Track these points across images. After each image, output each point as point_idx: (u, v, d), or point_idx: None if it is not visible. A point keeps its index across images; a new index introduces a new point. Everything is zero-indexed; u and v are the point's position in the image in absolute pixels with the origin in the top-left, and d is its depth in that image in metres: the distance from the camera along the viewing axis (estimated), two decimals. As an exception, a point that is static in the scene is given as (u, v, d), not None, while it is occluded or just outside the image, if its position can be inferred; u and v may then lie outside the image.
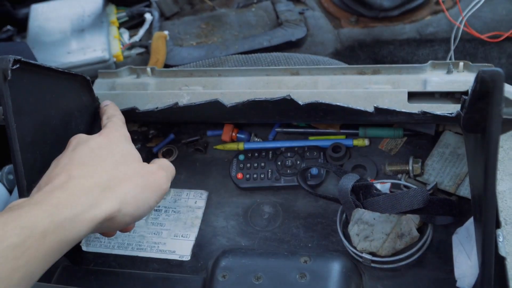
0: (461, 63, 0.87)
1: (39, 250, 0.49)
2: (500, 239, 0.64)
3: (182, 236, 0.87)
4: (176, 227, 0.88)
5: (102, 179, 0.60)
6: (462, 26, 1.22)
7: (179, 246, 0.86)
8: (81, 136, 0.69)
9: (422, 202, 0.73)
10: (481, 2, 1.23)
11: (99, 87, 1.00)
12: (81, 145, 0.66)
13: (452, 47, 1.23)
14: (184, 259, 0.84)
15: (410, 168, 0.85)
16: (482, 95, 0.60)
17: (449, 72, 0.88)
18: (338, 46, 1.27)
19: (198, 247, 0.86)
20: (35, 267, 0.49)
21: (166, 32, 1.26)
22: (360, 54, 1.28)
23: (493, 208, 0.59)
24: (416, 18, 1.27)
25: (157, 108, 0.88)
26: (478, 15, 1.24)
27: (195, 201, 0.91)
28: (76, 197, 0.55)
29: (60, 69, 0.79)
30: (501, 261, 0.63)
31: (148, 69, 1.00)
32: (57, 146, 0.73)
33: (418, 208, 0.73)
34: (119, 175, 0.63)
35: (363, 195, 0.79)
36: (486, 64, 0.87)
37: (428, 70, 0.89)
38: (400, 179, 0.86)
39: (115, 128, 0.73)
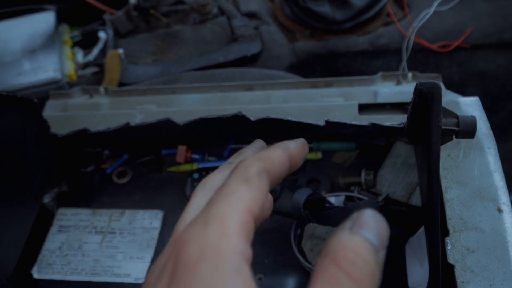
0: (410, 74, 0.89)
1: None
2: (449, 247, 0.65)
3: (137, 258, 0.85)
4: (131, 249, 0.87)
5: None
6: (413, 37, 1.25)
7: (134, 269, 0.84)
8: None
9: None
10: (430, 13, 1.26)
11: (50, 109, 0.99)
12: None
13: (405, 58, 1.26)
14: (139, 282, 0.83)
15: (363, 180, 0.86)
16: (422, 107, 0.62)
17: (398, 83, 0.90)
18: (293, 60, 1.28)
19: None
20: None
21: (120, 50, 1.25)
22: (316, 67, 1.30)
23: (437, 216, 0.60)
24: (369, 30, 1.30)
25: (108, 128, 0.86)
26: (428, 25, 1.27)
27: (150, 221, 0.90)
28: None
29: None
30: (450, 269, 0.64)
31: (101, 89, 0.99)
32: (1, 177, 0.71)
33: None
34: None
35: (316, 209, 0.78)
36: (434, 74, 0.89)
37: (379, 82, 0.91)
38: (353, 191, 0.86)
39: None
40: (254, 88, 0.95)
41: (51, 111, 0.98)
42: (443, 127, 0.61)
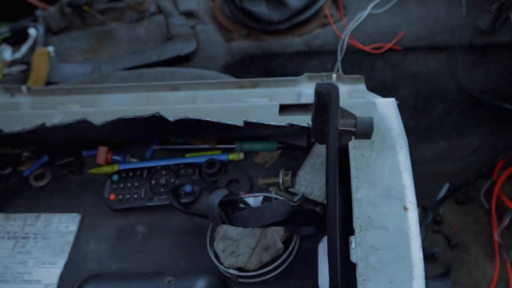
0: (334, 75, 0.90)
1: None
2: (352, 245, 0.66)
3: (50, 263, 0.84)
4: (45, 254, 0.85)
5: None
6: (347, 39, 1.27)
7: (45, 275, 0.82)
8: None
9: (285, 214, 0.73)
10: (364, 16, 1.28)
11: None
12: None
13: (339, 58, 1.28)
14: None
15: (280, 180, 0.86)
16: (322, 108, 0.62)
17: None
18: (229, 60, 1.28)
19: (67, 274, 0.83)
20: None
21: (50, 48, 1.23)
22: (251, 67, 1.30)
23: (335, 214, 0.61)
24: (305, 31, 1.31)
25: (23, 129, 0.84)
26: (363, 28, 1.30)
27: (66, 225, 0.89)
28: None
29: None
30: (353, 267, 0.64)
31: (24, 87, 0.96)
32: None
33: (281, 220, 0.74)
34: None
35: (231, 210, 0.78)
36: (357, 76, 0.90)
37: (304, 83, 0.91)
38: (271, 192, 0.87)
39: None
40: (180, 88, 0.94)
41: (-33, 110, 0.95)
42: (340, 128, 0.62)
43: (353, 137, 0.66)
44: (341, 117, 0.63)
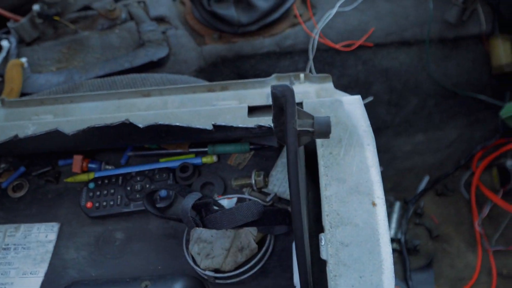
0: (302, 75, 0.92)
1: None
2: (322, 243, 0.67)
3: (30, 273, 0.85)
4: (25, 264, 0.86)
5: None
6: (317, 37, 1.30)
7: (27, 285, 0.83)
8: None
9: (256, 214, 0.75)
10: (333, 14, 1.31)
11: None
12: None
13: (311, 57, 1.30)
14: None
15: (253, 181, 0.88)
16: (280, 110, 0.64)
17: (291, 84, 0.93)
18: (201, 63, 1.30)
19: (48, 283, 0.84)
20: None
21: (23, 59, 1.24)
22: (224, 70, 1.32)
23: (298, 212, 0.62)
24: (275, 31, 1.33)
25: None
26: (333, 26, 1.32)
27: (46, 235, 0.90)
28: None
29: None
30: (323, 264, 0.66)
31: None
32: None
33: (254, 221, 0.75)
34: None
35: (204, 213, 0.80)
36: (324, 75, 0.92)
37: (273, 83, 0.93)
38: (245, 193, 0.89)
39: None
40: (151, 94, 0.96)
41: None
42: (298, 128, 0.64)
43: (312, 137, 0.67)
44: (299, 117, 0.64)
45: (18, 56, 1.28)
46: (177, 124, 0.82)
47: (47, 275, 0.85)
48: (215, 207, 0.81)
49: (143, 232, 0.89)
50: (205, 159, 0.95)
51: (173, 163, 0.95)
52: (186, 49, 1.30)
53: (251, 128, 0.82)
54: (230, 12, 1.27)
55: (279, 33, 1.33)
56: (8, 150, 0.90)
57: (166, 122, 0.83)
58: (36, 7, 1.31)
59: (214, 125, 0.82)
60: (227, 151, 0.95)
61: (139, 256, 0.86)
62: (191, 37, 1.33)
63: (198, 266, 0.79)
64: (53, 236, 0.90)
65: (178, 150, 0.96)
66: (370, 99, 1.40)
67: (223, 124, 0.82)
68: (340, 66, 1.34)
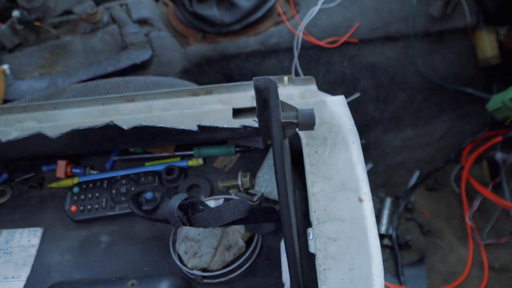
0: (286, 77, 0.92)
1: None
2: (310, 237, 0.69)
3: (12, 277, 0.86)
4: (7, 268, 0.87)
5: None
6: (301, 35, 1.31)
7: None
8: None
9: (244, 212, 0.76)
10: (316, 11, 1.32)
11: None
12: None
13: (296, 55, 1.32)
14: None
15: (239, 182, 0.90)
16: (263, 103, 0.65)
17: None
18: (186, 64, 1.31)
19: (30, 287, 0.85)
20: None
21: (5, 66, 1.24)
22: (209, 70, 1.34)
23: (287, 208, 0.64)
24: (260, 30, 1.35)
25: None
26: (316, 23, 1.34)
27: (28, 239, 0.91)
28: None
29: None
30: (312, 258, 0.68)
31: None
32: None
33: (241, 218, 0.76)
34: None
35: (191, 212, 0.81)
36: (308, 77, 0.92)
37: None
38: (231, 194, 0.90)
39: None
40: (136, 99, 0.96)
41: None
42: (282, 120, 0.65)
43: (297, 129, 0.68)
44: (283, 110, 0.66)
45: (0, 63, 1.29)
46: (162, 125, 0.84)
47: (29, 279, 0.86)
48: (201, 207, 0.82)
49: (128, 235, 0.90)
50: (191, 162, 0.96)
51: (159, 166, 0.97)
52: (169, 51, 1.31)
53: (236, 128, 0.83)
54: (213, 12, 1.28)
55: (263, 31, 1.34)
56: None
57: (151, 124, 0.84)
58: (16, 13, 1.32)
59: (199, 126, 0.83)
60: (213, 153, 0.97)
61: (124, 258, 0.87)
62: (174, 39, 1.34)
63: (185, 265, 0.80)
64: (36, 241, 0.91)
65: (164, 154, 0.98)
66: (357, 95, 1.42)
67: (208, 125, 0.83)
68: (326, 63, 1.36)
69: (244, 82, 0.93)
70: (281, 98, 0.93)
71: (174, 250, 0.83)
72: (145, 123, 0.84)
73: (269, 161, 0.92)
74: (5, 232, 0.92)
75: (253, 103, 0.90)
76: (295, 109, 0.67)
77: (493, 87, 1.50)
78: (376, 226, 0.70)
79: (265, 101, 0.64)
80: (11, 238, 0.92)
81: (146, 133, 0.87)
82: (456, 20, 1.39)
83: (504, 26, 1.38)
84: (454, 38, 1.42)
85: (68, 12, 1.42)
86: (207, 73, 1.33)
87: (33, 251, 0.89)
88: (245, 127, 0.83)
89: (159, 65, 1.29)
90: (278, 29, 1.34)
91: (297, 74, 1.36)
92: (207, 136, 0.87)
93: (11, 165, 1.02)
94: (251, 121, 0.85)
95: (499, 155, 1.48)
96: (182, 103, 0.93)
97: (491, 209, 1.48)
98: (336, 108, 0.87)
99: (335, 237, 0.69)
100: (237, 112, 0.89)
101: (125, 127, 0.84)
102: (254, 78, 0.63)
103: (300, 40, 1.31)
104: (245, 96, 0.93)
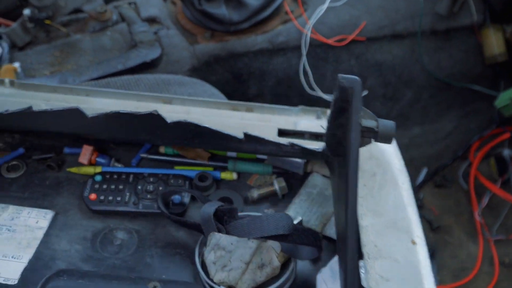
0: (329, 110, 0.89)
1: None
2: (363, 270, 0.67)
3: (12, 257, 0.80)
4: (8, 246, 0.81)
5: None
6: (309, 33, 1.33)
7: (5, 268, 0.78)
8: None
9: (287, 228, 0.70)
10: (324, 9, 1.35)
11: None
12: None
13: (304, 53, 1.34)
14: (10, 282, 0.77)
15: (276, 187, 0.87)
16: (343, 104, 0.62)
17: (318, 118, 0.92)
18: (194, 63, 1.34)
19: (31, 271, 0.79)
20: None
21: (16, 64, 1.27)
22: (217, 68, 1.36)
23: (355, 222, 0.60)
24: (267, 28, 1.37)
25: (7, 111, 0.81)
26: (324, 21, 1.36)
27: (36, 220, 0.86)
28: None
29: None
30: None
31: (6, 80, 0.95)
32: None
33: (283, 235, 0.71)
34: None
35: (227, 220, 0.75)
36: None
37: (300, 114, 0.93)
38: (267, 211, 0.86)
39: None
40: (173, 102, 0.94)
41: None
42: (362, 125, 0.62)
43: (373, 140, 0.65)
44: (363, 116, 0.63)
45: (11, 61, 1.31)
46: (207, 126, 0.80)
47: (31, 262, 0.81)
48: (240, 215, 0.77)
49: (148, 236, 0.85)
50: (225, 175, 0.92)
51: (189, 172, 0.92)
52: (178, 49, 1.33)
53: (283, 145, 0.79)
54: (221, 10, 1.31)
55: (271, 30, 1.37)
56: (14, 125, 0.87)
57: (196, 122, 0.80)
58: (26, 11, 1.34)
59: (245, 134, 0.79)
60: (248, 170, 0.93)
61: (140, 261, 0.82)
62: (183, 37, 1.36)
63: (211, 279, 0.73)
64: (44, 223, 0.86)
65: (197, 161, 0.94)
66: (364, 93, 1.44)
67: (255, 135, 0.79)
68: (334, 61, 1.38)
69: (285, 107, 0.92)
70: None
71: (200, 258, 0.76)
72: (190, 120, 0.80)
73: (307, 190, 0.88)
74: (11, 208, 0.87)
75: (295, 127, 0.90)
76: (375, 118, 0.64)
77: (500, 84, 1.52)
78: (431, 274, 0.69)
79: (345, 102, 0.61)
80: (17, 216, 0.87)
81: (187, 132, 0.83)
82: (463, 18, 1.41)
83: (511, 24, 1.39)
84: (460, 36, 1.44)
85: (77, 10, 1.44)
86: (215, 71, 1.36)
87: (40, 234, 0.84)
88: (293, 145, 0.79)
89: (167, 63, 1.32)
90: (286, 28, 1.36)
91: (305, 73, 1.38)
92: (250, 147, 0.84)
93: (30, 142, 0.98)
94: (299, 142, 0.81)
95: (506, 152, 1.50)
96: (222, 114, 0.92)
97: (499, 206, 1.50)
98: (386, 146, 0.85)
99: (388, 277, 0.67)
100: (282, 134, 0.88)
101: (168, 120, 0.79)
102: (339, 75, 0.59)
103: (308, 38, 1.33)
104: (287, 120, 0.91)
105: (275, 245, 0.73)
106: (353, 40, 1.36)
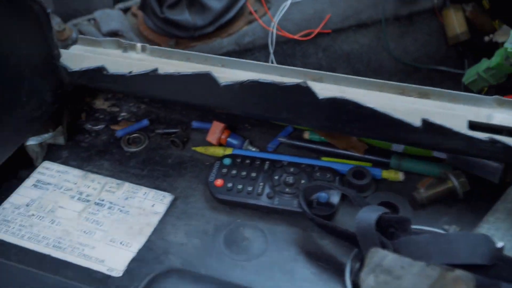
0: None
1: None
2: None
3: (121, 243, 0.74)
4: (117, 230, 0.76)
5: None
6: (275, 31, 1.37)
7: (111, 256, 0.72)
8: None
9: (488, 256, 0.57)
10: (287, 6, 1.38)
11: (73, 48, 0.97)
12: None
13: (271, 51, 1.36)
14: (113, 274, 0.70)
15: (456, 183, 0.74)
16: None
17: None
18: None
19: (138, 263, 0.72)
20: None
21: None
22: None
23: None
24: (233, 30, 1.46)
25: (130, 72, 0.79)
26: (288, 17, 1.46)
27: (152, 204, 0.79)
28: None
29: None
30: None
31: (138, 45, 0.93)
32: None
33: (480, 265, 0.57)
34: None
35: (394, 233, 0.63)
36: None
37: (493, 105, 0.77)
38: (447, 231, 0.73)
39: None
40: (324, 79, 0.83)
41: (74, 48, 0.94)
42: None
43: None
44: None
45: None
46: (372, 107, 0.69)
47: (140, 253, 0.74)
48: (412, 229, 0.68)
49: (283, 240, 0.75)
50: (387, 174, 0.81)
51: (341, 165, 0.81)
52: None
53: (479, 140, 0.68)
54: (185, 16, 1.35)
55: (237, 31, 1.48)
56: (137, 90, 0.82)
57: (357, 101, 0.70)
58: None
59: (424, 121, 0.68)
60: (419, 170, 0.80)
61: (272, 269, 0.71)
62: (146, 48, 1.36)
63: None
64: (161, 208, 0.79)
65: (351, 152, 0.82)
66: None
67: (438, 123, 0.68)
68: (301, 56, 1.45)
69: (477, 95, 0.79)
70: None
71: (351, 279, 0.65)
72: (349, 98, 0.68)
73: (506, 205, 0.72)
74: (127, 185, 0.83)
75: (490, 120, 0.75)
76: None
77: (464, 63, 1.56)
78: None
79: None
80: (132, 196, 0.81)
81: (343, 113, 0.72)
82: (424, 2, 1.53)
83: (470, 3, 1.46)
84: (423, 19, 1.56)
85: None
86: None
87: (155, 220, 0.77)
88: (494, 141, 0.67)
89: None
90: (251, 28, 1.47)
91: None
92: (429, 140, 0.72)
93: (156, 114, 0.95)
94: (501, 138, 0.68)
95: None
96: (386, 98, 0.79)
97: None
98: None
99: None
100: (474, 127, 0.74)
101: (320, 96, 0.70)
102: None
103: (274, 36, 1.38)
104: (477, 111, 0.77)
105: (466, 277, 0.54)
106: (319, 33, 1.47)
